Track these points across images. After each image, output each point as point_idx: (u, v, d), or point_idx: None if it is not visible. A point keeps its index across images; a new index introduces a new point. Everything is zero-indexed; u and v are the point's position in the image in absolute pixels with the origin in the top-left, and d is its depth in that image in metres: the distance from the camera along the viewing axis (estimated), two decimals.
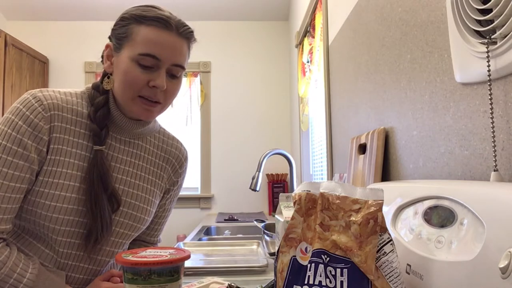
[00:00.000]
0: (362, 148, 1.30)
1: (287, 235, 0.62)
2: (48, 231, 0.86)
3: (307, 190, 0.63)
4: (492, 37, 0.60)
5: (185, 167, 1.10)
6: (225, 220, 2.86)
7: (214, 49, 3.85)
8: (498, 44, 0.60)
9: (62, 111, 0.87)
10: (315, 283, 0.56)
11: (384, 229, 0.56)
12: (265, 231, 1.33)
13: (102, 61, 0.94)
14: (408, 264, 0.63)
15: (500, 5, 0.58)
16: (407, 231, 0.67)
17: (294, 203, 0.63)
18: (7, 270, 0.78)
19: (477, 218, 0.50)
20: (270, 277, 1.11)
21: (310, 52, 2.50)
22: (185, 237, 3.34)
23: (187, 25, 0.91)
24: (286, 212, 0.95)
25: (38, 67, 3.63)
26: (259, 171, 1.83)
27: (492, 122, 0.63)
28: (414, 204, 0.67)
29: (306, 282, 0.57)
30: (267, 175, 3.67)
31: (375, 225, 0.56)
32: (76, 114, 0.90)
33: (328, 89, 1.92)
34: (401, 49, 1.04)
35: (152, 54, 0.86)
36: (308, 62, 2.58)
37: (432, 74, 0.86)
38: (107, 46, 0.92)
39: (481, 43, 0.63)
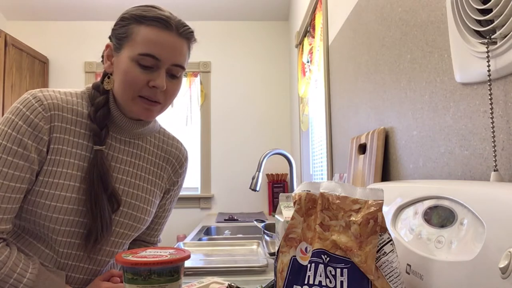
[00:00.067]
0: (362, 148, 1.30)
1: (287, 235, 0.62)
2: (48, 231, 0.86)
3: (307, 190, 0.63)
4: (492, 37, 0.60)
5: (185, 167, 1.10)
6: (225, 220, 2.86)
7: (214, 49, 3.85)
8: (498, 44, 0.60)
9: (62, 111, 0.87)
10: (315, 283, 0.56)
11: (384, 229, 0.56)
12: (265, 231, 1.33)
13: (102, 61, 0.94)
14: (408, 264, 0.63)
15: (500, 5, 0.58)
16: (407, 231, 0.67)
17: (294, 203, 0.63)
18: (7, 270, 0.78)
19: (477, 218, 0.50)
20: (270, 277, 1.11)
21: (310, 52, 2.50)
22: (185, 237, 3.34)
23: (187, 25, 0.91)
24: (286, 212, 0.95)
25: (38, 67, 3.63)
26: (259, 171, 1.83)
27: (492, 122, 0.63)
28: (414, 204, 0.67)
29: (306, 282, 0.57)
30: (267, 175, 3.67)
31: (375, 225, 0.56)
32: (76, 114, 0.90)
33: (328, 89, 1.92)
34: (401, 49, 1.04)
35: (152, 54, 0.86)
36: (308, 62, 2.58)
37: (432, 74, 0.86)
38: (107, 46, 0.92)
39: (481, 43, 0.63)
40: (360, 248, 0.55)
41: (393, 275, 0.55)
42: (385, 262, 0.55)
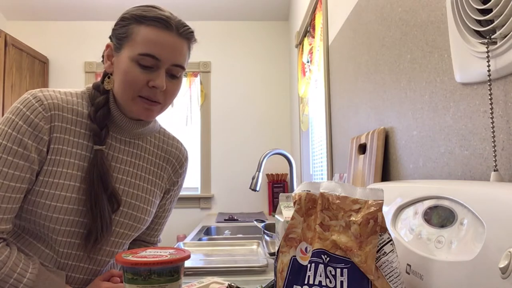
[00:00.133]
0: (362, 148, 1.30)
1: (287, 235, 0.62)
2: (48, 231, 0.86)
3: (307, 190, 0.63)
4: (492, 37, 0.60)
5: (185, 167, 1.10)
6: (225, 220, 2.86)
7: (214, 49, 3.85)
8: (498, 44, 0.60)
9: (63, 111, 0.87)
10: (315, 283, 0.56)
11: (384, 229, 0.56)
12: (265, 231, 1.33)
13: (102, 61, 0.94)
14: (408, 264, 0.63)
15: (500, 5, 0.58)
16: (407, 231, 0.67)
17: (294, 203, 0.63)
18: (7, 270, 0.78)
19: (477, 218, 0.50)
20: (270, 277, 1.11)
21: (310, 52, 2.50)
22: (185, 237, 3.34)
23: (187, 26, 0.91)
24: (286, 212, 0.95)
25: (38, 67, 3.63)
26: (259, 171, 1.83)
27: (492, 122, 0.63)
28: (414, 204, 0.67)
29: (306, 282, 0.57)
30: (267, 175, 3.67)
31: (375, 225, 0.56)
32: (76, 114, 0.90)
33: (328, 89, 1.92)
34: (401, 49, 1.04)
35: (151, 54, 0.86)
36: (308, 62, 2.58)
37: (432, 74, 0.86)
38: (107, 46, 0.93)
39: (481, 43, 0.63)
40: (360, 248, 0.55)
41: (393, 275, 0.55)
42: (385, 262, 0.55)
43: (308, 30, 2.57)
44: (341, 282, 0.55)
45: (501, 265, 0.42)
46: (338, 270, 0.56)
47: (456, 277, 0.51)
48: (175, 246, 1.04)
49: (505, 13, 0.57)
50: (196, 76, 3.81)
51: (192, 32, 0.92)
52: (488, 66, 0.61)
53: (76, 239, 0.89)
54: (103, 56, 0.94)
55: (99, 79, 0.97)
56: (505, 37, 0.58)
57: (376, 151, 1.14)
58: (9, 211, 0.81)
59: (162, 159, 1.04)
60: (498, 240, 0.45)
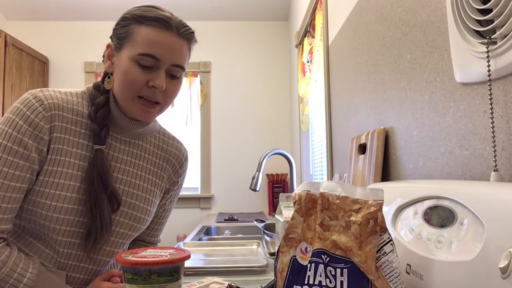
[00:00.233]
0: (362, 148, 1.30)
1: (287, 235, 0.62)
2: (48, 231, 0.86)
3: (307, 190, 0.63)
4: (492, 37, 0.61)
5: (185, 167, 1.10)
6: (225, 220, 2.86)
7: (214, 49, 3.85)
8: (498, 44, 0.60)
9: (63, 111, 0.87)
10: (315, 283, 0.56)
11: (384, 229, 0.56)
12: (265, 231, 1.33)
13: (103, 60, 0.94)
14: (408, 264, 0.63)
15: (500, 5, 0.58)
16: (407, 231, 0.67)
17: (294, 203, 0.63)
18: (8, 270, 0.78)
19: (477, 218, 0.50)
20: (270, 277, 1.11)
21: (310, 52, 2.50)
22: (185, 237, 3.34)
23: (187, 26, 0.91)
24: (286, 212, 0.95)
25: (38, 67, 3.63)
26: (259, 171, 1.83)
27: (492, 122, 0.63)
28: (414, 204, 0.67)
29: (306, 282, 0.57)
30: (267, 175, 3.67)
31: (375, 225, 0.56)
32: (76, 114, 0.90)
33: (328, 89, 1.92)
34: (401, 49, 1.04)
35: (151, 54, 0.86)
36: (308, 62, 2.58)
37: (432, 74, 0.86)
38: (108, 46, 0.93)
39: (481, 43, 0.63)
40: (360, 248, 0.55)
41: (393, 275, 0.55)
42: (385, 262, 0.55)
43: (308, 30, 2.57)
44: (341, 282, 0.55)
45: (501, 265, 0.42)
46: (338, 270, 0.56)
47: (456, 277, 0.51)
48: (175, 246, 1.04)
49: (505, 13, 0.57)
50: (196, 76, 3.81)
51: (193, 32, 0.92)
52: (488, 66, 0.61)
53: (76, 239, 0.89)
54: (103, 56, 0.94)
55: (99, 79, 0.97)
56: (505, 37, 0.58)
57: (376, 151, 1.14)
58: (9, 211, 0.81)
59: (162, 159, 1.04)
60: (498, 240, 0.45)
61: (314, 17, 2.33)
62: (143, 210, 0.98)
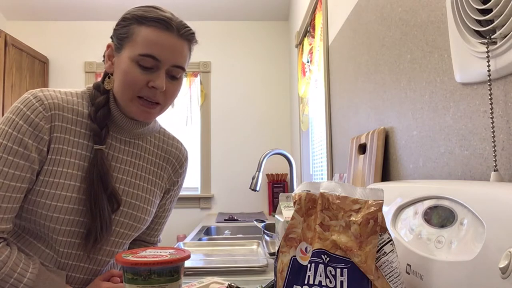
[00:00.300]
0: (362, 148, 1.30)
1: (287, 235, 0.62)
2: (48, 231, 0.86)
3: (307, 190, 0.63)
4: (492, 37, 0.61)
5: (185, 167, 1.10)
6: (225, 220, 2.86)
7: (214, 49, 3.85)
8: (498, 44, 0.60)
9: (63, 111, 0.87)
10: (315, 283, 0.56)
11: (384, 229, 0.56)
12: (265, 231, 1.33)
13: (103, 60, 0.94)
14: (408, 264, 0.63)
15: (500, 5, 0.58)
16: (407, 231, 0.67)
17: (294, 203, 0.63)
18: (8, 270, 0.78)
19: (477, 218, 0.50)
20: (270, 277, 1.11)
21: (310, 52, 2.50)
22: (185, 237, 3.34)
23: (188, 27, 0.91)
24: (286, 212, 0.95)
25: (38, 67, 3.63)
26: (259, 171, 1.83)
27: (492, 122, 0.63)
28: (414, 204, 0.67)
29: (306, 282, 0.57)
30: (267, 175, 3.67)
31: (375, 225, 0.56)
32: (76, 114, 0.90)
33: (328, 89, 1.92)
34: (401, 49, 1.04)
35: (152, 55, 0.86)
36: (308, 62, 2.58)
37: (432, 74, 0.86)
38: (108, 46, 0.93)
39: (481, 43, 0.63)
40: (360, 248, 0.55)
41: (393, 275, 0.55)
42: (385, 262, 0.56)
43: (308, 30, 2.57)
44: (341, 282, 0.55)
45: (501, 265, 0.42)
46: (338, 270, 0.56)
47: (456, 277, 0.51)
48: (175, 246, 1.04)
49: (505, 13, 0.57)
50: (196, 76, 3.81)
51: (193, 33, 0.92)
52: (488, 66, 0.61)
53: (76, 239, 0.89)
54: (104, 56, 0.94)
55: (99, 79, 0.97)
56: (505, 37, 0.58)
57: (376, 151, 1.14)
58: (10, 211, 0.81)
59: (162, 159, 1.04)
60: (498, 240, 0.45)
61: (314, 17, 2.33)
62: (143, 210, 0.98)
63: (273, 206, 3.56)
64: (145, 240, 1.10)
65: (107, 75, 0.94)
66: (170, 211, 1.12)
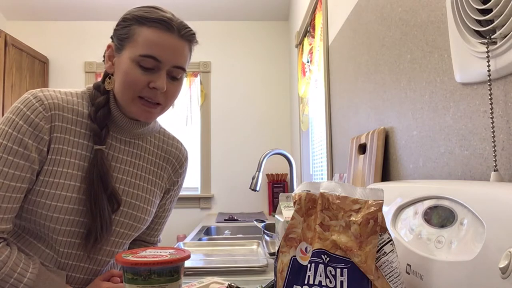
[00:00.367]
0: (362, 148, 1.30)
1: (287, 235, 0.62)
2: (48, 231, 0.86)
3: (307, 190, 0.63)
4: (492, 37, 0.61)
5: (185, 167, 1.10)
6: (225, 220, 2.86)
7: (214, 49, 3.85)
8: (498, 44, 0.60)
9: (63, 111, 0.87)
10: (315, 283, 0.56)
11: (384, 229, 0.56)
12: (265, 231, 1.33)
13: (104, 61, 0.94)
14: (408, 264, 0.63)
15: (500, 5, 0.58)
16: (407, 231, 0.67)
17: (294, 203, 0.63)
18: (8, 270, 0.78)
19: (477, 218, 0.50)
20: (270, 277, 1.11)
21: (310, 52, 2.50)
22: (185, 237, 3.34)
23: (189, 27, 0.91)
24: (286, 212, 0.95)
25: (38, 67, 3.63)
26: (259, 171, 1.83)
27: (492, 122, 0.63)
28: (414, 204, 0.67)
29: (306, 282, 0.57)
30: (267, 175, 3.67)
31: (375, 225, 0.56)
32: (76, 114, 0.90)
33: (328, 89, 1.92)
34: (401, 49, 1.04)
35: (152, 56, 0.86)
36: (308, 62, 2.58)
37: (432, 74, 0.86)
38: (108, 47, 0.92)
39: (481, 43, 0.63)
40: (360, 248, 0.55)
41: (393, 275, 0.55)
42: (385, 262, 0.56)
43: (308, 30, 2.57)
44: (341, 282, 0.55)
45: (501, 265, 0.42)
46: (338, 270, 0.56)
47: (456, 277, 0.51)
48: (175, 246, 1.04)
49: (505, 13, 0.57)
50: (196, 76, 3.81)
51: (194, 34, 0.92)
52: (488, 66, 0.61)
53: (76, 239, 0.89)
54: (104, 56, 0.94)
55: (99, 79, 0.97)
56: (505, 37, 0.58)
57: (376, 151, 1.14)
58: (10, 211, 0.81)
59: (162, 159, 1.04)
60: (498, 240, 0.45)
61: (314, 17, 2.33)
62: (143, 210, 0.98)
63: (273, 206, 3.56)
64: (145, 240, 1.10)
65: (107, 75, 0.94)
66: (170, 211, 1.12)
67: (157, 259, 0.64)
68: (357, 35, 1.43)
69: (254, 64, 3.85)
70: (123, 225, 0.95)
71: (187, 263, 1.18)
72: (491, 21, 0.62)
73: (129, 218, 0.95)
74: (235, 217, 2.98)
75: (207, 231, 2.40)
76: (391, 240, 0.57)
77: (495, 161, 0.61)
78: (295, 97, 3.39)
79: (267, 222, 1.58)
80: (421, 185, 0.68)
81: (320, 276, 0.56)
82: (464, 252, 0.51)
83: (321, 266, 0.56)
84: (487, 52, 0.61)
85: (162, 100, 0.90)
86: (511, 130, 0.61)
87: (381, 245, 0.56)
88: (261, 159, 1.85)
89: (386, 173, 1.14)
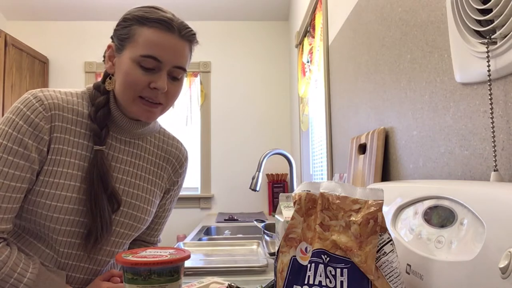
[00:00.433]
0: (362, 148, 1.30)
1: (287, 235, 0.62)
2: (48, 231, 0.86)
3: (307, 190, 0.63)
4: (492, 37, 0.61)
5: (185, 167, 1.10)
6: (225, 220, 2.86)
7: (214, 49, 3.85)
8: (498, 44, 0.60)
9: (63, 111, 0.87)
10: (315, 283, 0.56)
11: (384, 229, 0.57)
12: (265, 231, 1.33)
13: (104, 61, 0.94)
14: (408, 264, 0.63)
15: (500, 5, 0.58)
16: (407, 231, 0.67)
17: (294, 203, 0.63)
18: (8, 270, 0.78)
19: (477, 218, 0.50)
20: (270, 277, 1.11)
21: (310, 52, 2.50)
22: (185, 237, 3.34)
23: (189, 27, 0.91)
24: (286, 212, 0.95)
25: (38, 67, 3.63)
26: (259, 171, 1.83)
27: (492, 122, 0.63)
28: (414, 204, 0.67)
29: (306, 282, 0.57)
30: (267, 175, 3.67)
31: (375, 225, 0.56)
32: (76, 114, 0.90)
33: (328, 89, 1.92)
34: (401, 49, 1.04)
35: (153, 56, 0.85)
36: (308, 62, 2.58)
37: (432, 74, 0.86)
38: (109, 47, 0.92)
39: (481, 43, 0.63)
40: (360, 248, 0.55)
41: (393, 275, 0.55)
42: (385, 262, 0.56)
43: (308, 30, 2.57)
44: (341, 282, 0.55)
45: (501, 265, 0.42)
46: (338, 270, 0.56)
47: (456, 277, 0.51)
48: (175, 246, 1.04)
49: (505, 13, 0.57)
50: (196, 76, 3.81)
51: (194, 34, 0.92)
52: (488, 66, 0.61)
53: (76, 239, 0.89)
54: (104, 57, 0.94)
55: (99, 79, 0.97)
56: (505, 37, 0.58)
57: (376, 151, 1.14)
58: (10, 211, 0.81)
59: (162, 159, 1.04)
60: (498, 240, 0.45)
61: (314, 17, 2.33)
62: (143, 210, 0.98)
63: (273, 206, 3.56)
64: (145, 240, 1.10)
65: (108, 75, 0.94)
66: (170, 211, 1.12)
67: (157, 259, 0.64)
68: (357, 35, 1.43)
69: (254, 64, 3.85)
70: (123, 225, 0.95)
71: (187, 263, 1.18)
72: (491, 21, 0.62)
73: (129, 218, 0.95)
74: (235, 217, 2.98)
75: (207, 231, 2.40)
76: (391, 240, 0.57)
77: (495, 161, 0.61)
78: (295, 97, 3.39)
79: (267, 222, 1.58)
80: (421, 185, 0.68)
81: (320, 276, 0.56)
82: (464, 252, 0.51)
83: (321, 266, 0.56)
84: (487, 52, 0.61)
85: (163, 100, 0.90)
86: (511, 130, 0.61)
87: (381, 245, 0.56)
88: (261, 159, 1.85)
89: (386, 173, 1.14)
